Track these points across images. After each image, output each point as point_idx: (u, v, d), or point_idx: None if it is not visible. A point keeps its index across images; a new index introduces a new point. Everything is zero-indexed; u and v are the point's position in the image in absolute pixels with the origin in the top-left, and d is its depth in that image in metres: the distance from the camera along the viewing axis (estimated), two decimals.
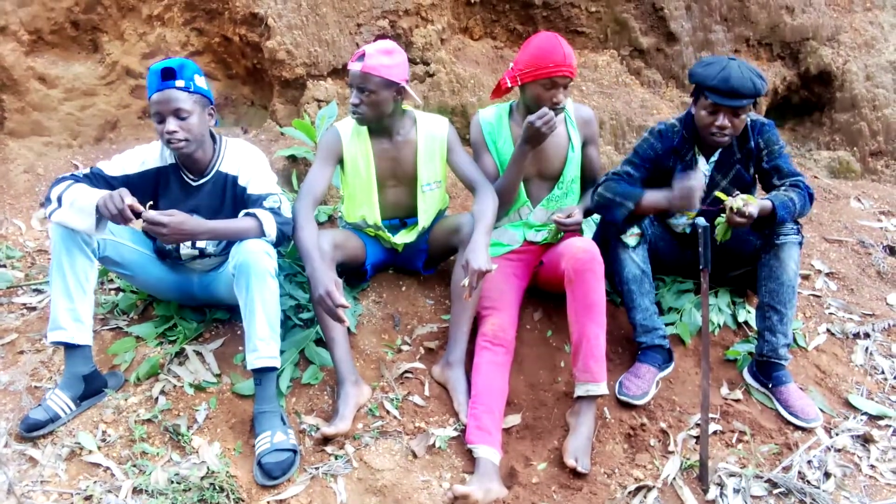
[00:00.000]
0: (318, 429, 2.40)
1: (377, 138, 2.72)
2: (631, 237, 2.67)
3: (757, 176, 2.75)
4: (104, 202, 2.16)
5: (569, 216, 2.72)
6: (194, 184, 2.51)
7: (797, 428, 2.53)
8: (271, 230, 2.38)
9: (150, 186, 2.48)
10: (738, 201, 2.37)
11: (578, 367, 2.45)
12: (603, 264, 2.51)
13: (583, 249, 2.50)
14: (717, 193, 2.49)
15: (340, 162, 2.73)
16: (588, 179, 2.91)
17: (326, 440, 2.37)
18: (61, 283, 2.32)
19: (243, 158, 2.53)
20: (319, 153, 2.69)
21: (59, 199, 2.26)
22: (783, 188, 2.58)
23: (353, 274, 2.91)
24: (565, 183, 2.83)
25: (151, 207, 2.23)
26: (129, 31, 4.11)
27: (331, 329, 2.50)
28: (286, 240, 2.47)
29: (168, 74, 2.33)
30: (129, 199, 2.16)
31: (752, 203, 2.38)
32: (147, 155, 2.50)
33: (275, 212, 2.43)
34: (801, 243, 2.63)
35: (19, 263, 3.16)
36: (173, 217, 2.22)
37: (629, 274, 2.67)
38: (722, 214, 2.45)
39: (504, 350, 2.56)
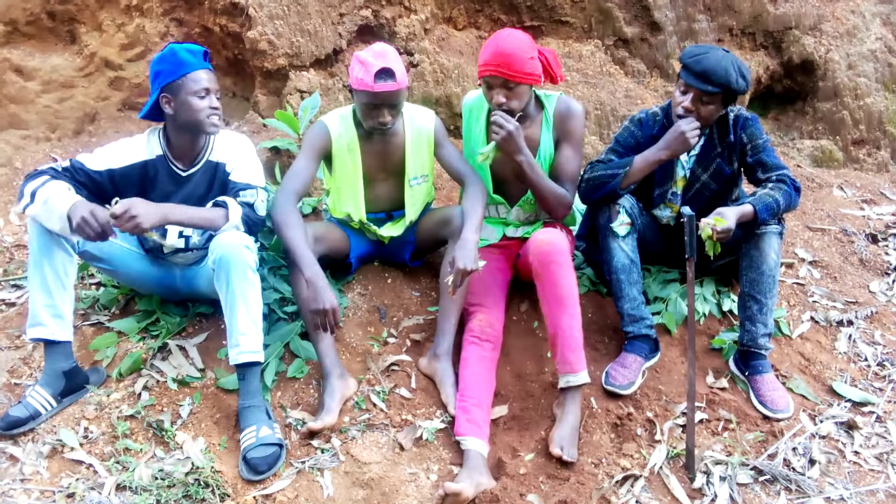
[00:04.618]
0: (304, 423, 2.38)
1: (365, 134, 2.68)
2: (621, 227, 2.66)
3: (742, 170, 2.75)
4: (80, 225, 2.10)
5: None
6: (184, 174, 2.48)
7: (767, 418, 2.54)
8: (236, 219, 2.35)
9: (136, 180, 2.44)
10: (706, 230, 2.34)
11: (557, 360, 2.45)
12: (568, 254, 2.48)
13: (546, 242, 2.47)
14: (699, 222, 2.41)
15: (327, 157, 2.69)
16: (557, 175, 2.69)
17: (313, 434, 2.36)
18: (39, 279, 2.28)
19: (232, 147, 2.53)
20: (305, 147, 2.63)
21: (33, 196, 2.21)
22: (768, 186, 2.58)
23: (337, 266, 2.88)
24: None
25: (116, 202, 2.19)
26: (108, 22, 4.04)
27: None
28: (255, 232, 2.45)
29: (206, 56, 2.42)
30: (105, 221, 2.13)
31: (722, 223, 2.35)
32: (132, 148, 2.46)
33: (248, 206, 2.41)
34: (781, 233, 2.64)
35: None
36: (135, 206, 2.17)
37: (618, 263, 2.66)
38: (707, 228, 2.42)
39: (492, 346, 2.56)
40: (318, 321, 2.34)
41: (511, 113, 2.54)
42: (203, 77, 2.36)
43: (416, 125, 2.71)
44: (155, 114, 2.42)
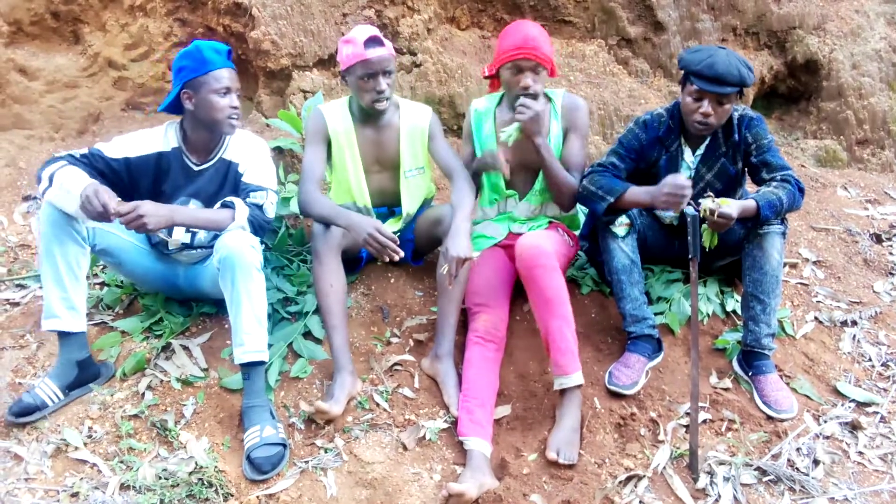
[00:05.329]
0: (303, 414, 2.38)
1: (361, 123, 2.74)
2: (620, 227, 2.66)
3: (746, 170, 2.74)
4: (84, 202, 2.13)
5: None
6: (196, 168, 2.52)
7: (770, 418, 2.53)
8: (241, 220, 2.37)
9: (151, 170, 2.48)
10: (708, 202, 2.33)
11: (551, 363, 2.45)
12: (553, 256, 2.49)
13: (529, 246, 2.48)
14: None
15: (327, 144, 2.74)
16: (567, 164, 2.75)
17: (316, 426, 2.37)
18: (52, 272, 2.30)
19: (247, 148, 2.56)
20: (308, 137, 2.71)
21: (51, 179, 2.24)
22: (772, 185, 2.57)
23: (348, 262, 2.88)
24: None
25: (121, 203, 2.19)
26: (111, 22, 4.06)
27: (331, 317, 2.51)
28: (261, 234, 2.47)
29: (230, 54, 2.46)
30: (112, 203, 2.13)
31: (725, 204, 2.34)
32: (150, 139, 2.50)
33: (257, 207, 2.44)
34: (784, 233, 2.63)
35: (2, 259, 3.12)
36: (143, 206, 2.20)
37: (619, 264, 2.66)
38: (708, 201, 2.41)
39: (495, 346, 2.56)
40: (373, 250, 2.41)
41: (534, 97, 2.64)
42: (225, 76, 2.40)
43: (411, 118, 2.77)
44: (174, 107, 2.47)
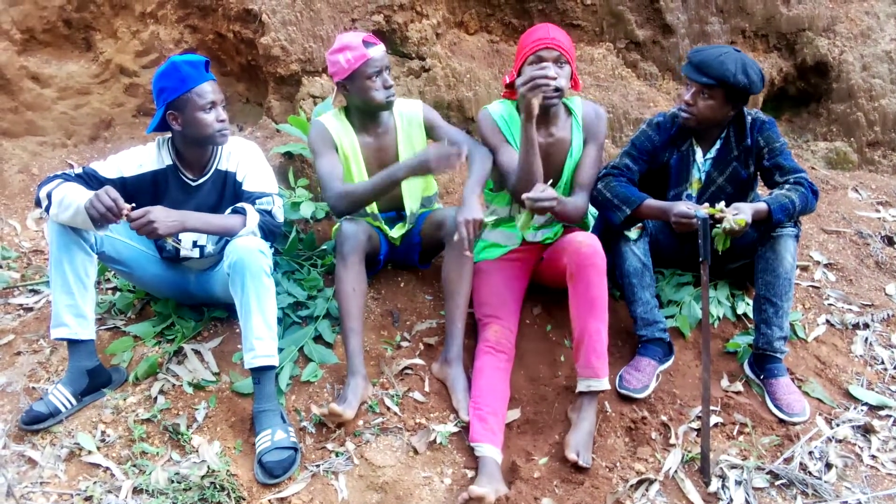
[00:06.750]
0: (314, 418, 2.39)
1: (360, 132, 2.75)
2: (632, 230, 2.66)
3: (758, 173, 2.74)
4: (91, 204, 2.12)
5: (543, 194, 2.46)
6: (194, 183, 2.51)
7: (782, 422, 2.52)
8: (252, 225, 2.37)
9: (147, 189, 2.47)
10: (729, 222, 2.34)
11: (580, 363, 2.44)
12: (605, 259, 2.49)
13: (585, 244, 2.47)
14: (709, 210, 2.38)
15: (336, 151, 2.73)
16: (577, 179, 2.71)
17: (327, 430, 2.37)
18: (60, 280, 2.32)
19: (241, 155, 2.54)
20: (317, 147, 2.67)
21: (49, 197, 2.24)
22: (784, 187, 2.56)
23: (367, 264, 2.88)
24: (564, 184, 2.76)
25: (133, 209, 2.19)
26: (123, 29, 4.09)
27: (350, 320, 2.52)
28: (272, 239, 2.47)
29: (208, 66, 2.39)
30: (121, 202, 2.13)
31: (741, 223, 2.35)
32: (143, 157, 2.48)
33: (267, 213, 2.44)
34: (797, 236, 2.62)
35: (15, 264, 3.14)
36: (153, 212, 2.20)
37: (630, 267, 2.66)
38: (717, 225, 2.41)
39: (506, 357, 2.56)
40: (450, 162, 2.43)
41: (559, 91, 2.51)
42: (208, 90, 2.36)
43: (406, 115, 2.80)
44: (162, 127, 2.44)
